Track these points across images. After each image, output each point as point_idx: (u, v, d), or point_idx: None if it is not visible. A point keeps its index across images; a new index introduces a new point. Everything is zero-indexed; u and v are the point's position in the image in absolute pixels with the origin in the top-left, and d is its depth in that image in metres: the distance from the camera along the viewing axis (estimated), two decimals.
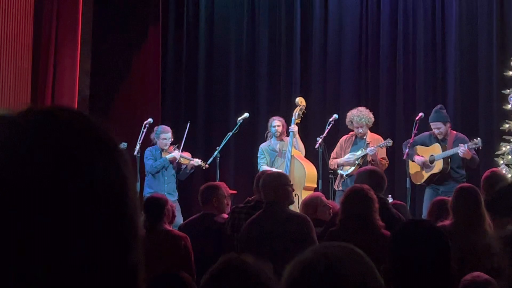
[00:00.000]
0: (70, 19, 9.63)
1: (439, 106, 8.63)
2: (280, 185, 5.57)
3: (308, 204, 6.41)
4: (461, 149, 7.98)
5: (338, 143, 8.72)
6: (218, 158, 8.84)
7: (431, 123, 8.41)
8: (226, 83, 11.23)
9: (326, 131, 8.66)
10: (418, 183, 8.52)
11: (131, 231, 0.91)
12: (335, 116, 8.72)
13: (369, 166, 6.72)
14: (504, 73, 8.49)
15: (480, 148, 8.06)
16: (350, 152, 8.65)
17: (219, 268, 2.52)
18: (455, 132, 8.47)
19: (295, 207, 8.48)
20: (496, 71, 9.97)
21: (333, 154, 8.68)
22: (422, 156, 8.38)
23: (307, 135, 10.37)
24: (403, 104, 10.59)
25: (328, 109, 9.98)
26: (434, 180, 8.29)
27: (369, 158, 8.43)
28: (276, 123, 8.96)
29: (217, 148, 8.90)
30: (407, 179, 8.47)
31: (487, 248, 4.79)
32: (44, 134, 0.88)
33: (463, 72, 10.36)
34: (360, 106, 9.84)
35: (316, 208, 6.38)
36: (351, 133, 8.77)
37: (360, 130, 8.58)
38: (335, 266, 1.62)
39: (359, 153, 8.49)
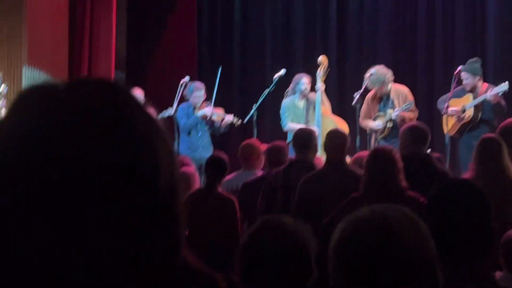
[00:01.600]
0: None
1: (474, 58, 8.56)
2: (343, 144, 5.48)
3: (358, 161, 6.31)
4: (489, 94, 7.98)
5: (365, 101, 8.63)
6: (255, 116, 8.81)
7: (460, 73, 8.35)
8: (261, 39, 11.15)
9: (363, 87, 8.56)
10: (451, 135, 8.47)
11: (177, 211, 0.90)
12: (372, 71, 8.60)
13: (410, 124, 6.63)
14: None
15: (506, 91, 7.96)
16: (378, 109, 8.58)
17: (258, 229, 2.52)
18: (487, 84, 8.34)
19: None
20: None
21: (362, 113, 8.60)
22: (454, 107, 8.34)
23: (344, 93, 10.30)
24: (442, 58, 10.43)
25: (364, 66, 9.85)
26: (467, 129, 8.27)
27: (398, 119, 8.36)
28: (306, 80, 8.85)
29: (254, 105, 8.84)
30: (446, 134, 8.37)
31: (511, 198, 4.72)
32: (91, 107, 0.86)
33: (503, 24, 10.14)
34: (397, 61, 9.74)
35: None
36: (376, 90, 8.68)
37: (383, 89, 8.50)
38: (391, 227, 1.59)
39: (386, 117, 8.42)
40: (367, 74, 8.60)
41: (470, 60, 8.50)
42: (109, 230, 0.84)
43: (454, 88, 8.33)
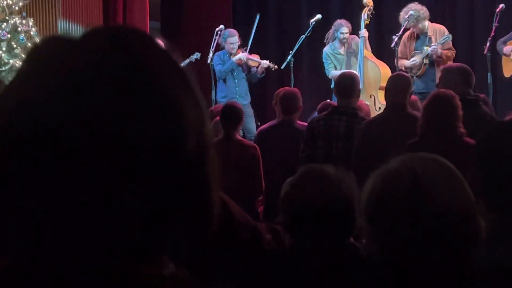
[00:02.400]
0: None
1: None
2: (407, 87, 5.38)
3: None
4: None
5: (402, 41, 8.46)
6: (292, 62, 8.71)
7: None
8: None
9: (402, 29, 8.39)
10: (508, 76, 8.29)
11: (207, 177, 0.85)
12: (411, 12, 8.41)
13: (455, 64, 6.48)
14: None
15: None
16: (414, 48, 8.41)
17: (300, 178, 2.49)
18: None
19: (372, 107, 8.36)
20: None
21: (398, 54, 8.43)
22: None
23: (382, 34, 10.12)
24: None
25: (402, 6, 9.65)
26: None
27: (434, 56, 8.20)
28: (345, 29, 8.70)
29: (290, 52, 8.74)
30: (489, 74, 8.20)
31: None
32: (110, 59, 0.80)
33: None
34: (437, 2, 9.51)
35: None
36: (412, 28, 8.50)
37: (415, 28, 8.30)
38: (421, 181, 1.55)
39: (423, 53, 8.24)
40: (404, 15, 8.42)
41: None
42: (133, 196, 0.78)
43: (496, 25, 8.15)
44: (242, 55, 8.93)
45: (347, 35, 8.69)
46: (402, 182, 1.58)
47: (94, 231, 0.78)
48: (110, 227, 0.78)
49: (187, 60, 9.13)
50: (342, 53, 8.76)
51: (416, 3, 8.51)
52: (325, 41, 8.92)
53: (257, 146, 5.68)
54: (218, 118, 6.29)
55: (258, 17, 9.19)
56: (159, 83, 0.80)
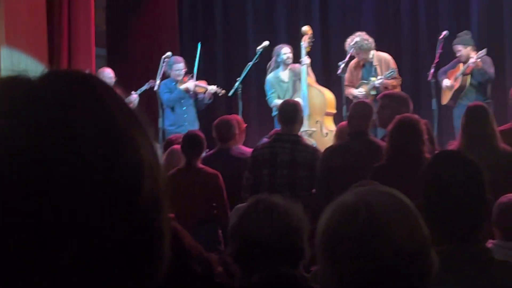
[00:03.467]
0: None
1: (464, 31, 8.78)
2: (370, 115, 5.42)
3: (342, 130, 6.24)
4: (471, 60, 8.22)
5: (348, 69, 8.56)
6: (240, 89, 8.71)
7: (453, 46, 8.53)
8: (244, 12, 11.02)
9: (348, 56, 8.49)
10: (444, 103, 8.62)
11: (162, 224, 0.81)
12: (357, 40, 8.52)
13: (393, 90, 6.58)
14: None
15: (485, 54, 8.21)
16: (361, 77, 8.52)
17: (248, 209, 2.47)
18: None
19: (319, 133, 8.42)
20: None
21: (345, 81, 8.52)
22: (449, 79, 8.59)
23: (328, 62, 10.22)
24: (426, 24, 10.36)
25: (348, 34, 9.77)
26: (459, 97, 8.41)
27: (381, 88, 8.33)
28: (287, 50, 8.75)
29: (238, 79, 8.75)
30: (433, 100, 8.37)
31: (499, 164, 4.69)
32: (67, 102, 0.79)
33: None
34: (382, 28, 9.66)
35: None
36: (357, 57, 8.63)
37: (361, 56, 8.43)
38: (377, 215, 1.54)
39: (369, 85, 8.37)
40: (350, 42, 8.53)
41: (460, 34, 8.69)
42: (81, 240, 0.75)
43: (440, 51, 8.32)
44: (189, 84, 8.91)
45: (289, 55, 8.73)
46: (358, 216, 1.57)
47: (39, 276, 0.75)
48: (57, 271, 0.75)
49: (143, 88, 9.08)
50: (286, 80, 8.78)
51: (364, 33, 8.62)
52: (267, 69, 8.94)
53: (219, 174, 5.66)
54: (175, 146, 6.26)
55: (199, 45, 9.20)
56: (118, 127, 0.80)
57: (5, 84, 0.82)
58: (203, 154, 5.99)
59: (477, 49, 8.45)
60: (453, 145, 5.05)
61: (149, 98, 9.12)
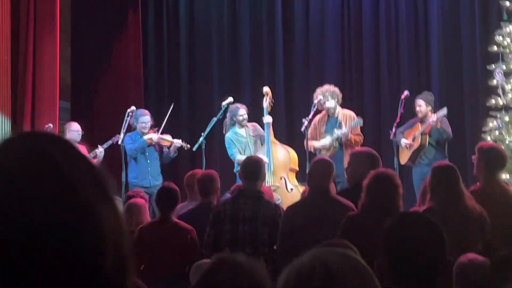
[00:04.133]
0: (47, 7, 9.48)
1: (428, 92, 8.96)
2: (330, 172, 5.44)
3: None
4: (431, 119, 8.30)
5: (312, 124, 8.64)
6: (204, 144, 8.73)
7: (415, 101, 8.63)
8: (208, 68, 11.13)
9: (312, 113, 8.58)
10: (403, 164, 8.66)
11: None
12: (320, 97, 8.63)
13: (364, 148, 6.65)
14: (489, 49, 8.43)
15: (445, 115, 8.31)
16: (324, 131, 8.61)
17: (211, 269, 2.46)
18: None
19: (283, 189, 8.45)
20: (480, 47, 9.94)
21: (308, 135, 8.56)
22: (407, 138, 8.65)
23: (292, 118, 10.33)
24: (388, 83, 10.56)
25: (312, 92, 9.92)
26: (418, 157, 8.47)
27: (344, 139, 8.42)
28: (243, 112, 8.77)
29: (202, 134, 8.77)
30: (394, 158, 8.44)
31: (468, 224, 4.74)
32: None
33: (446, 49, 10.32)
34: (345, 87, 9.81)
35: None
36: (323, 112, 8.73)
37: (328, 104, 8.52)
38: (334, 276, 1.56)
39: (334, 135, 8.46)
40: (315, 95, 8.63)
41: (426, 92, 8.89)
42: None
43: (401, 111, 8.44)
44: (154, 135, 8.91)
45: (245, 116, 8.79)
46: (314, 276, 1.59)
47: None
48: None
49: (109, 142, 9.04)
50: (244, 135, 8.82)
51: (328, 85, 8.76)
52: (224, 130, 8.97)
53: (194, 229, 5.63)
54: (132, 201, 6.22)
55: (172, 105, 9.24)
56: (81, 202, 0.79)
57: None
58: (178, 207, 5.96)
59: (435, 111, 8.57)
60: (423, 206, 5.06)
61: (114, 151, 9.09)
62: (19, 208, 0.76)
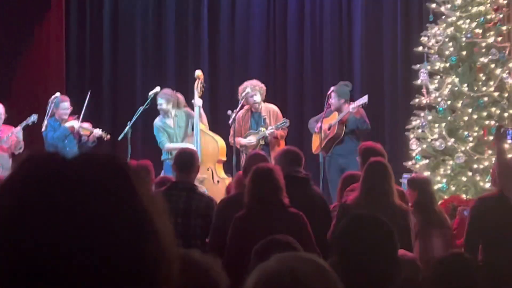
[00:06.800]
0: None
1: (345, 82, 8.83)
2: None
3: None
4: (351, 107, 8.24)
5: (236, 120, 8.60)
6: (130, 134, 8.60)
7: (329, 91, 8.57)
8: (132, 55, 11.00)
9: (239, 106, 8.58)
10: (315, 152, 8.59)
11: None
12: (248, 90, 8.64)
13: (286, 147, 6.68)
14: (414, 49, 8.62)
15: (366, 103, 8.23)
16: (249, 127, 8.64)
17: None
18: (351, 103, 8.53)
19: (210, 180, 8.40)
20: (401, 47, 10.18)
21: (232, 131, 8.53)
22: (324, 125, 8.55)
23: (216, 108, 10.32)
24: (311, 81, 10.69)
25: (237, 83, 9.93)
26: (333, 146, 8.42)
27: (270, 137, 8.48)
28: (162, 101, 8.64)
29: (128, 123, 8.61)
30: (319, 154, 8.49)
31: (393, 221, 4.86)
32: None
33: (368, 48, 10.51)
34: (268, 82, 9.85)
35: None
36: (246, 107, 8.74)
37: (255, 98, 8.54)
38: (301, 281, 1.59)
39: (259, 134, 8.50)
40: (241, 91, 8.62)
41: (341, 83, 8.76)
42: None
43: (327, 108, 8.50)
44: (75, 122, 8.74)
45: (164, 105, 8.64)
46: (283, 282, 1.63)
47: None
48: None
49: (24, 123, 8.80)
50: (172, 126, 8.74)
51: (256, 80, 8.77)
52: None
53: None
54: None
55: (89, 93, 9.04)
56: (148, 221, 0.88)
57: (41, 161, 0.86)
58: None
59: (353, 102, 8.52)
60: (349, 196, 5.13)
61: (33, 135, 8.88)
62: (95, 217, 0.83)
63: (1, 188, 0.84)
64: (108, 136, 8.88)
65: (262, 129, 8.53)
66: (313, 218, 4.81)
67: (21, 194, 0.82)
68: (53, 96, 8.83)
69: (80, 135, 8.84)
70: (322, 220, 5.12)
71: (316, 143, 8.61)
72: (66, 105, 8.78)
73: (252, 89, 8.59)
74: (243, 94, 8.56)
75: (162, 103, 8.64)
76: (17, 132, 8.73)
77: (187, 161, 5.70)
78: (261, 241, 3.26)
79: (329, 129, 8.48)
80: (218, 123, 9.57)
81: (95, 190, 0.83)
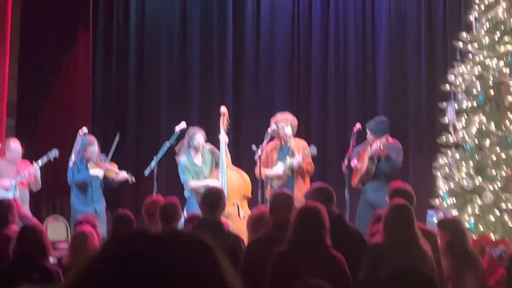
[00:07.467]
0: None
1: (380, 117, 8.91)
2: (291, 204, 5.40)
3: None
4: (374, 148, 8.32)
5: (264, 152, 8.64)
6: (156, 169, 8.59)
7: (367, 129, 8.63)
8: (157, 90, 11.05)
9: (265, 141, 8.58)
10: (354, 186, 8.69)
11: None
12: (274, 126, 8.65)
13: (317, 183, 6.64)
14: (441, 86, 8.60)
15: (386, 144, 8.27)
16: (277, 159, 8.63)
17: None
18: (392, 140, 8.59)
19: (235, 216, 8.37)
20: (425, 83, 10.17)
21: (258, 162, 8.52)
22: (359, 160, 8.65)
23: (240, 143, 10.31)
24: (335, 112, 10.68)
25: (261, 118, 9.93)
26: (366, 181, 8.51)
27: (296, 167, 8.45)
28: (199, 137, 8.70)
29: (154, 158, 8.60)
30: (346, 190, 8.46)
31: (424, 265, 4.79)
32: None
33: (392, 84, 10.51)
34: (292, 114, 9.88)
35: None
36: (275, 140, 8.77)
37: (286, 131, 8.55)
38: None
39: (287, 163, 8.49)
40: (274, 125, 8.62)
41: (375, 118, 8.88)
42: None
43: (353, 144, 8.51)
44: (99, 172, 8.74)
45: (202, 142, 8.72)
46: None
47: None
48: None
49: (45, 158, 8.82)
50: (199, 164, 8.74)
51: (288, 113, 8.79)
52: (176, 151, 8.87)
53: None
54: (80, 228, 6.02)
55: (118, 136, 9.03)
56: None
57: (126, 242, 0.88)
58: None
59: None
60: (376, 238, 5.08)
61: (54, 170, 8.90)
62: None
63: (87, 272, 0.85)
64: (134, 180, 8.89)
65: (290, 159, 8.53)
66: (351, 256, 4.78)
67: (108, 278, 0.83)
68: (81, 131, 8.86)
69: (105, 178, 8.85)
70: (360, 257, 5.07)
71: (355, 177, 8.69)
72: (93, 149, 8.79)
73: (285, 122, 8.62)
74: (272, 128, 8.57)
75: (200, 140, 8.66)
76: (35, 170, 8.75)
77: (214, 200, 5.74)
78: (297, 283, 3.22)
79: (363, 163, 8.53)
80: (241, 159, 9.56)
81: (184, 270, 0.85)
